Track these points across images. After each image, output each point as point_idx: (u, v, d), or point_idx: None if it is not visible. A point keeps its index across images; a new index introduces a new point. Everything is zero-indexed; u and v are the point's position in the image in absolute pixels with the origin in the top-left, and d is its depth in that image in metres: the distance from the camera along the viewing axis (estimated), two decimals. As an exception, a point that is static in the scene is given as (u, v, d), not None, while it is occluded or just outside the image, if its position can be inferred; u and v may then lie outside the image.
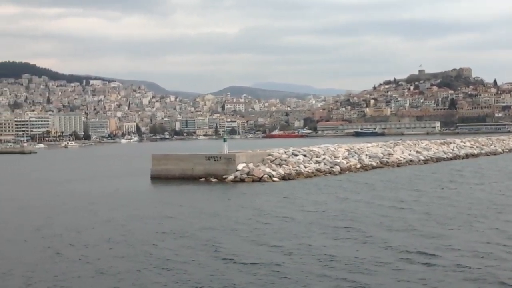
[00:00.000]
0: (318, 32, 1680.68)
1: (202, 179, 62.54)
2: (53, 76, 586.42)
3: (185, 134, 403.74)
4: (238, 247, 28.34)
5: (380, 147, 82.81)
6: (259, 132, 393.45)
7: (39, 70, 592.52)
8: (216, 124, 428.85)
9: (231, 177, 61.30)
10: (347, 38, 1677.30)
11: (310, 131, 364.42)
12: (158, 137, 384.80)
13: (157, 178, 66.06)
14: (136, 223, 36.35)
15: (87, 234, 32.94)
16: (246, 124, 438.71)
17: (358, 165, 70.92)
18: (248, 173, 61.07)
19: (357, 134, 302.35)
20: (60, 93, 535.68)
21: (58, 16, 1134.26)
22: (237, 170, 61.91)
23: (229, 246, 28.53)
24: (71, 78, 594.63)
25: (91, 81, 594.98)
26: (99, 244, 30.04)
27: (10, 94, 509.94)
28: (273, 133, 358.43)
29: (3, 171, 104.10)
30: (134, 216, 39.13)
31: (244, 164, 62.95)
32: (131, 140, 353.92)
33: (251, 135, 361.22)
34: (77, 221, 37.73)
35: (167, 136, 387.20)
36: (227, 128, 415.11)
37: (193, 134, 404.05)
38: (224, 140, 69.65)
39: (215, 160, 64.22)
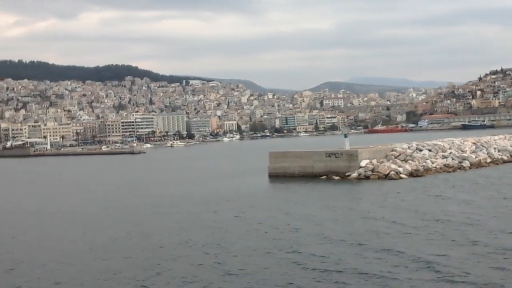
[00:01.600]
0: (412, 24, 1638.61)
1: (323, 177, 60.78)
2: (154, 77, 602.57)
3: (285, 131, 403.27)
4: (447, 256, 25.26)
5: (508, 140, 78.08)
6: (360, 127, 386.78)
7: (141, 72, 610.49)
8: (316, 120, 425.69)
9: (354, 174, 59.28)
10: (442, 29, 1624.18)
11: (414, 125, 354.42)
12: (258, 134, 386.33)
13: (275, 176, 64.93)
14: (283, 226, 34.93)
15: (238, 240, 31.70)
16: (346, 120, 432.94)
17: (488, 160, 66.93)
18: (372, 170, 58.82)
19: (465, 127, 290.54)
20: (161, 94, 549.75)
21: (156, 18, 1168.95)
22: (360, 167, 59.80)
23: (424, 255, 25.40)
24: (171, 79, 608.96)
25: (191, 81, 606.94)
26: (263, 251, 28.50)
27: (114, 96, 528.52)
28: (376, 128, 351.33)
29: (139, 170, 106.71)
30: (274, 218, 38.02)
31: (367, 161, 60.72)
32: (233, 139, 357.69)
33: (352, 131, 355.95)
34: (224, 224, 37.03)
35: (268, 134, 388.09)
36: (327, 124, 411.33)
37: (293, 131, 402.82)
38: (345, 136, 67.64)
39: (336, 157, 62.20)
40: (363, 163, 60.32)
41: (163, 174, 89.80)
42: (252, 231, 33.78)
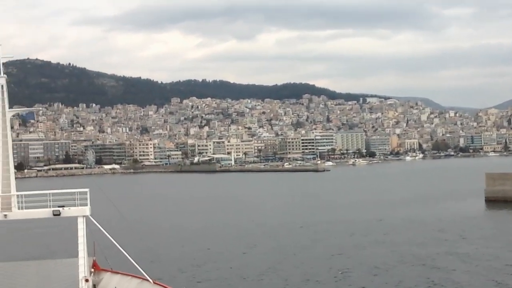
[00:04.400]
0: None
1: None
2: (331, 95, 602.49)
3: (471, 150, 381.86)
4: None
5: None
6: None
7: (318, 90, 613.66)
8: (506, 139, 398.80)
9: None
10: None
11: None
12: (442, 154, 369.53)
13: (493, 201, 58.52)
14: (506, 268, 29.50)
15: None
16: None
17: None
18: None
19: None
20: (338, 112, 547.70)
21: (331, 37, 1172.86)
22: None
23: None
24: (347, 97, 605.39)
25: (368, 99, 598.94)
26: None
27: (292, 113, 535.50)
28: None
29: (339, 190, 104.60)
30: (495, 256, 32.52)
31: None
32: (416, 157, 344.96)
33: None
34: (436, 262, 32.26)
35: (452, 153, 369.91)
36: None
37: (480, 150, 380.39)
38: None
39: None
40: None
41: (364, 194, 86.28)
42: (470, 273, 28.48)
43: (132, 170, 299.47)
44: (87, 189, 24.94)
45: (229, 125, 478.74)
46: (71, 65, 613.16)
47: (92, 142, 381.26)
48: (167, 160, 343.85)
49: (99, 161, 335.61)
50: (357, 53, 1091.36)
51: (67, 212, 24.58)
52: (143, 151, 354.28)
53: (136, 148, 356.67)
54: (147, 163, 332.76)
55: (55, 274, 26.71)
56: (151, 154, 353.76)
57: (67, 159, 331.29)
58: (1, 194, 24.95)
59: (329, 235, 49.18)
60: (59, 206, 24.63)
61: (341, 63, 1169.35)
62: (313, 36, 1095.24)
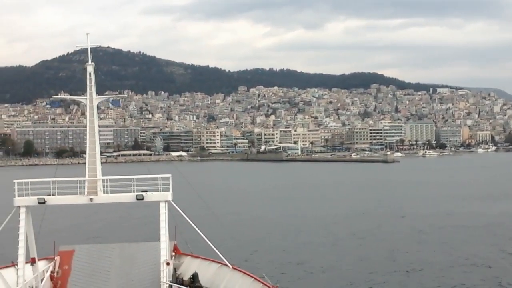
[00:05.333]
0: None
1: None
2: (400, 85, 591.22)
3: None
4: None
5: None
6: None
7: (386, 80, 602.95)
8: None
9: None
10: None
11: None
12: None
13: None
14: None
15: None
16: None
17: None
18: None
19: None
20: (407, 102, 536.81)
21: (401, 26, 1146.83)
22: None
23: None
24: (417, 87, 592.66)
25: (438, 89, 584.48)
26: None
27: (360, 103, 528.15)
28: None
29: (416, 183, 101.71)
30: None
31: None
32: (488, 150, 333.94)
33: None
34: None
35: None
36: None
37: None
38: None
39: None
40: None
41: (448, 188, 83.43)
42: None
43: (199, 158, 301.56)
44: (169, 175, 25.13)
45: (296, 114, 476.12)
46: (141, 53, 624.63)
47: (160, 129, 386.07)
48: (234, 148, 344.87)
49: (166, 148, 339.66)
50: (428, 43, 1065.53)
51: (150, 197, 25.02)
52: (210, 139, 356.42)
53: (203, 135, 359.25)
54: (213, 150, 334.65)
55: (137, 256, 27.56)
56: (217, 142, 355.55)
57: (136, 146, 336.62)
58: (88, 178, 25.55)
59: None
60: (142, 191, 25.13)
61: (411, 52, 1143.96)
62: (382, 25, 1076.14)
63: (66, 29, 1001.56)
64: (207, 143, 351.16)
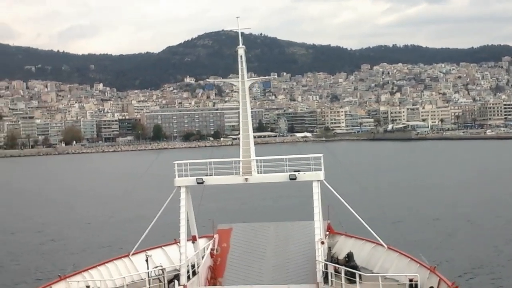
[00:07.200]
0: None
1: None
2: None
3: None
4: None
5: None
6: None
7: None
8: None
9: None
10: None
11: None
12: None
13: None
14: None
15: None
16: None
17: None
18: None
19: None
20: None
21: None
22: None
23: None
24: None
25: None
26: None
27: (491, 77, 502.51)
28: None
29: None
30: None
31: None
32: None
33: None
34: None
35: None
36: None
37: None
38: None
39: None
40: None
41: None
42: None
43: (324, 138, 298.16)
44: (321, 155, 25.08)
45: (422, 91, 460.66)
46: (263, 35, 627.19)
47: (284, 111, 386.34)
48: (359, 127, 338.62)
49: (291, 129, 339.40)
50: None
51: (302, 176, 25.17)
52: (335, 119, 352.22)
53: (327, 116, 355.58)
54: (338, 131, 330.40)
55: (292, 235, 28.20)
56: (342, 122, 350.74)
57: (260, 128, 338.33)
58: (242, 159, 26.05)
59: None
60: (295, 171, 25.28)
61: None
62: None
63: (189, 15, 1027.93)
64: (331, 123, 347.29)
